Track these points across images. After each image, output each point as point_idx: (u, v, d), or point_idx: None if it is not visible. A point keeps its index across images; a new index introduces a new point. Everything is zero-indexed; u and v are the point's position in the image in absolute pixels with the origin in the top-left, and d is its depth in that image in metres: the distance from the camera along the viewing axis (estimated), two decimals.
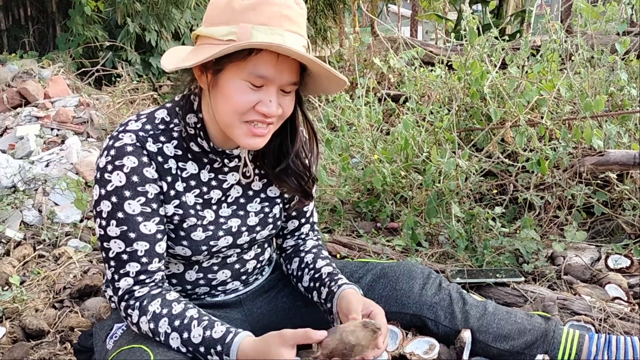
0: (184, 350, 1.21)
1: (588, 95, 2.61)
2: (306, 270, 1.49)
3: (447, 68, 3.24)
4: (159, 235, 1.28)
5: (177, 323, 1.22)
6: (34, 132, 3.78)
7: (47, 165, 3.39)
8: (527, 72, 2.94)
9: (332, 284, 1.40)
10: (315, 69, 1.21)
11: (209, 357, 1.19)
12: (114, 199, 1.23)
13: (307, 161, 1.41)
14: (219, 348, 1.17)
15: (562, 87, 2.64)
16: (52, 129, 3.96)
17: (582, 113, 2.44)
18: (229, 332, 1.19)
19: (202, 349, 1.19)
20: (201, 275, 1.42)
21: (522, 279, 1.94)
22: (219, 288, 1.47)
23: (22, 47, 6.62)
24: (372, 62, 4.73)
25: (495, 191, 2.64)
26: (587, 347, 1.45)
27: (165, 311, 1.23)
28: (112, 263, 1.26)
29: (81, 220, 2.76)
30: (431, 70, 3.37)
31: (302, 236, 1.58)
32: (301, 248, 1.56)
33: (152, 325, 1.22)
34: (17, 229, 2.63)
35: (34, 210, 2.82)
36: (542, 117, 2.47)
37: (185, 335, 1.20)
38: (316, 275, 1.45)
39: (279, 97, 1.21)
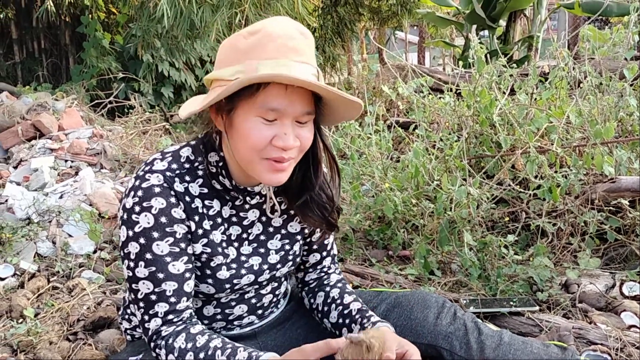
0: None
1: (598, 122, 2.62)
2: (333, 305, 1.48)
3: (455, 95, 3.27)
4: (187, 275, 1.27)
5: (202, 355, 1.21)
6: (48, 164, 3.81)
7: (61, 197, 3.41)
8: (536, 99, 2.96)
9: (365, 321, 1.38)
10: (327, 95, 1.20)
11: None
12: (142, 240, 1.23)
13: (330, 192, 1.40)
14: None
15: (571, 114, 2.66)
16: (66, 161, 3.99)
17: (593, 140, 2.44)
18: (251, 358, 1.18)
19: None
20: (219, 310, 1.42)
21: (537, 307, 1.93)
22: (235, 322, 1.47)
23: (36, 79, 6.73)
24: (380, 89, 4.78)
25: (507, 219, 2.63)
26: None
27: (189, 345, 1.23)
28: (142, 304, 1.26)
29: (95, 252, 2.78)
30: (440, 98, 3.39)
31: (325, 269, 1.57)
32: (325, 282, 1.55)
33: None
34: (32, 261, 2.65)
35: (47, 241, 2.83)
36: (552, 144, 2.48)
37: None
38: (345, 312, 1.44)
39: (295, 129, 1.20)
